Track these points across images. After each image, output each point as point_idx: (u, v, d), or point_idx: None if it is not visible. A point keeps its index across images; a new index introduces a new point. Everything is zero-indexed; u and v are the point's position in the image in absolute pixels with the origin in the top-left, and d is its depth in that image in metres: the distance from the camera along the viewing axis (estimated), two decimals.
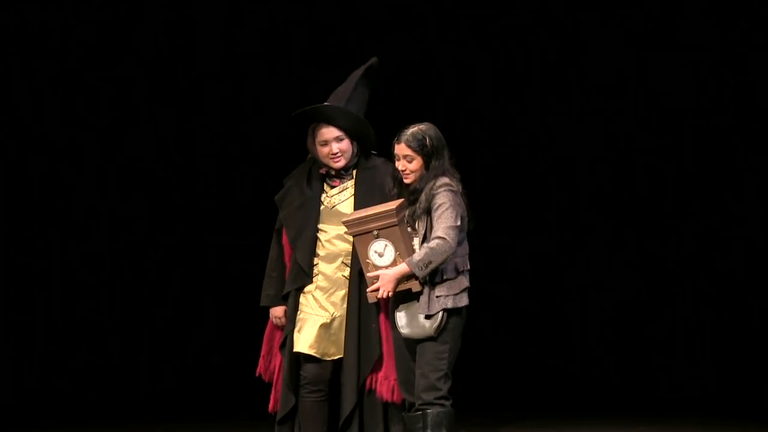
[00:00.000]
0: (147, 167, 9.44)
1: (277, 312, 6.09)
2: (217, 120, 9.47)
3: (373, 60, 6.01)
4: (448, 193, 5.61)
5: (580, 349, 9.34)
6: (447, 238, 5.55)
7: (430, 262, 5.54)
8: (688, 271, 9.17)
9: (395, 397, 5.88)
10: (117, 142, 9.41)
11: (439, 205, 5.59)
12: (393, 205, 5.67)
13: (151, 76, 9.40)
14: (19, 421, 8.81)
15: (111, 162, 9.41)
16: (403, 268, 5.58)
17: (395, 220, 5.63)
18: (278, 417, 6.03)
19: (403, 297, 5.69)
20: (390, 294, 5.62)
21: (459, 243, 5.66)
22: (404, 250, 5.64)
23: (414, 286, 5.63)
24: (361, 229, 5.67)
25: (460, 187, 5.68)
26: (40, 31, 9.25)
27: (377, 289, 5.62)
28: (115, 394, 9.31)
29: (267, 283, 6.12)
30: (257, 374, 6.13)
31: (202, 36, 9.45)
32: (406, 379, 5.76)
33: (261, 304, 6.13)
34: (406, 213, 5.68)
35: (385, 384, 5.92)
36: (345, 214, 5.87)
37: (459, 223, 5.60)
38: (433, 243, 5.55)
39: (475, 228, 5.76)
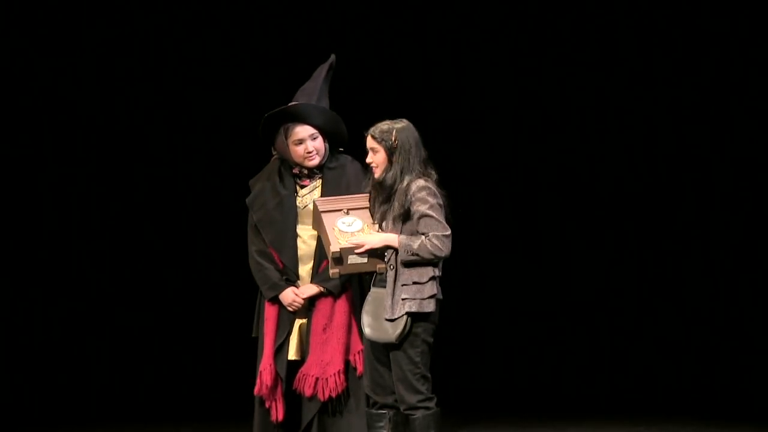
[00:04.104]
0: (142, 167, 9.41)
1: (289, 293, 5.89)
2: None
3: (333, 57, 6.00)
4: (430, 198, 5.51)
5: (580, 349, 9.30)
6: (443, 248, 5.47)
7: (418, 255, 5.46)
8: (688, 270, 9.14)
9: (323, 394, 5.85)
10: (112, 142, 9.41)
11: (424, 214, 5.50)
12: (367, 196, 5.73)
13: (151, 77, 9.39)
14: (19, 421, 8.83)
15: (107, 162, 9.39)
16: (392, 237, 5.52)
17: (368, 204, 5.68)
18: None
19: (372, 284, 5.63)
20: (366, 249, 5.52)
21: None
22: (374, 228, 5.63)
23: (380, 265, 5.57)
24: (332, 207, 5.69)
25: (437, 191, 5.57)
26: (39, 30, 9.27)
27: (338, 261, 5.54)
28: (114, 395, 9.30)
29: (266, 275, 5.92)
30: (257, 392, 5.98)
31: (202, 37, 9.40)
32: (371, 379, 5.68)
33: (269, 297, 5.92)
34: (378, 211, 5.63)
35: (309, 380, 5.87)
36: None
37: (449, 231, 5.52)
38: (429, 244, 5.46)
39: (473, 227, 5.66)
